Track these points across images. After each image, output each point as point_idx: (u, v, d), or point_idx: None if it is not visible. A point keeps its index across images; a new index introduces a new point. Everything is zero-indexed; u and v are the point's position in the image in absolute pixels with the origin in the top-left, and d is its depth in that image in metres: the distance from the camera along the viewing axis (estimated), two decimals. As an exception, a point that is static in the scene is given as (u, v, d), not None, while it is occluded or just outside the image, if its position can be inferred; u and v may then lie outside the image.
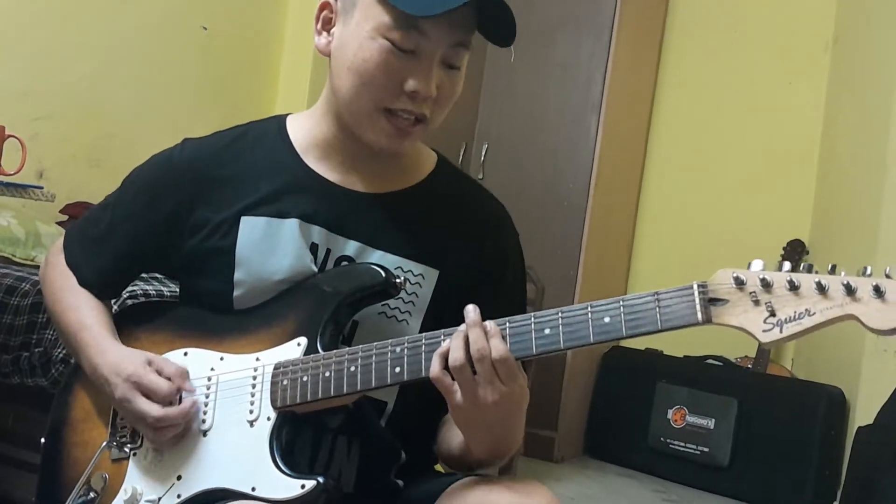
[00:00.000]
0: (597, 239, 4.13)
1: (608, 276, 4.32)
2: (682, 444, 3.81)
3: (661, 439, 3.85)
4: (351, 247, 1.33)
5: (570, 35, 4.19)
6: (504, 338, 1.13)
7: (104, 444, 1.36)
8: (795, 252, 3.88)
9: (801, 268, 1.03)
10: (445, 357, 1.14)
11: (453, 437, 1.31)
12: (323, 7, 1.32)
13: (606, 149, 4.11)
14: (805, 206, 4.05)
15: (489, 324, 1.13)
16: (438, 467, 1.46)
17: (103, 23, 3.36)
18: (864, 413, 3.24)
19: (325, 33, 1.32)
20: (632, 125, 4.39)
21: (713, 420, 3.75)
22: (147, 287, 2.36)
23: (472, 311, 1.14)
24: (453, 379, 1.14)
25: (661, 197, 4.45)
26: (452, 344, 1.13)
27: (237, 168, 1.36)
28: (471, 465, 1.30)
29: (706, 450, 3.75)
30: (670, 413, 3.84)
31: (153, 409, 1.27)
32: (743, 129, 4.25)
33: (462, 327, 1.14)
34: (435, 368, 1.14)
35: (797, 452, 3.57)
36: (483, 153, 4.36)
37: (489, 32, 1.28)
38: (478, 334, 1.12)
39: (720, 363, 3.97)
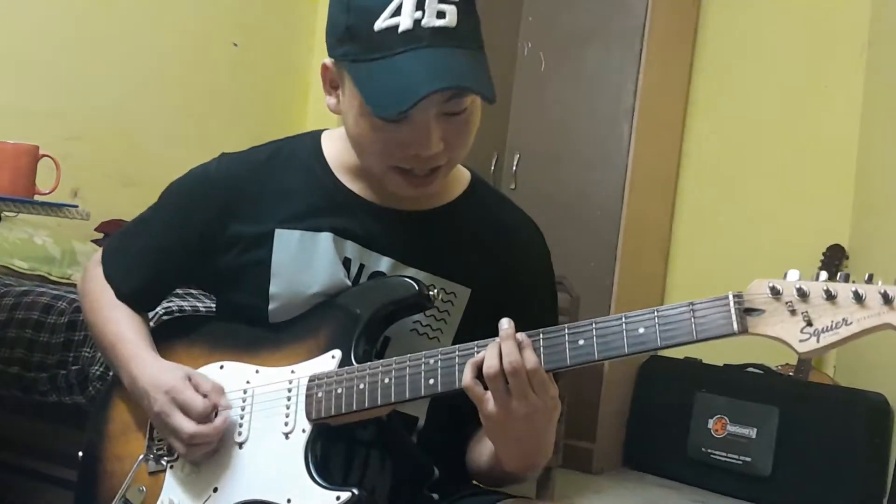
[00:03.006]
0: (632, 247, 4.10)
1: (644, 284, 4.28)
2: (724, 454, 3.76)
3: (702, 449, 3.80)
4: (384, 263, 1.33)
5: (600, 43, 4.17)
6: (537, 350, 1.14)
7: (141, 456, 1.37)
8: (835, 257, 3.83)
9: (839, 274, 1.02)
10: (479, 366, 1.14)
11: (483, 450, 1.31)
12: (324, 70, 1.30)
13: (640, 156, 4.08)
14: (844, 211, 3.99)
15: (522, 335, 1.13)
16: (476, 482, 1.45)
17: (135, 42, 3.40)
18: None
19: (333, 92, 1.31)
20: (665, 132, 4.35)
21: (755, 429, 3.71)
22: (182, 303, 2.37)
23: (505, 323, 1.14)
24: (486, 388, 1.14)
25: (696, 203, 4.41)
26: (487, 353, 1.13)
27: (273, 183, 1.37)
28: (500, 477, 1.30)
29: (748, 459, 3.70)
30: (711, 423, 3.80)
31: (187, 426, 1.28)
32: (779, 134, 4.21)
33: (498, 338, 1.14)
34: (467, 377, 1.14)
35: (841, 461, 3.51)
36: (515, 163, 4.34)
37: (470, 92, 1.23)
38: (511, 346, 1.12)
39: (761, 371, 3.92)
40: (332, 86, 1.31)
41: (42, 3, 3.14)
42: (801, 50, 4.15)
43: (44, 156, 2.47)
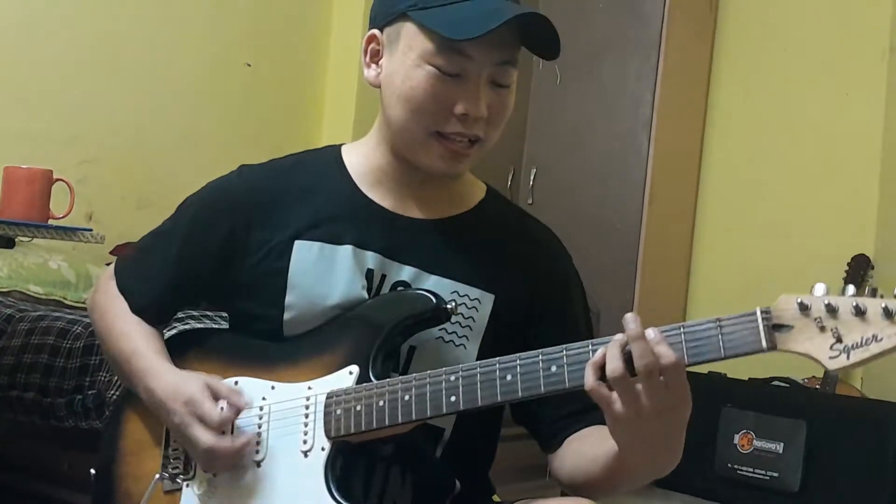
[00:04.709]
0: (652, 261, 4.07)
1: (666, 298, 4.24)
2: (751, 469, 3.70)
3: (729, 465, 3.75)
4: (406, 272, 1.33)
5: (616, 56, 4.15)
6: (677, 344, 1.08)
7: (157, 476, 1.35)
8: (860, 267, 3.77)
9: (867, 289, 1.01)
10: (600, 367, 1.09)
11: (595, 455, 1.24)
12: (370, 40, 1.35)
13: (659, 169, 4.05)
14: (868, 220, 3.94)
15: (653, 332, 1.08)
16: (496, 497, 1.44)
17: (148, 65, 3.40)
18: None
19: (373, 65, 1.35)
20: (684, 143, 4.32)
21: (782, 444, 3.65)
22: (198, 325, 2.35)
23: (631, 320, 1.09)
24: (611, 389, 1.09)
25: (718, 214, 4.37)
26: (609, 354, 1.09)
27: (293, 194, 1.38)
28: (620, 483, 1.24)
29: (776, 475, 3.64)
30: (737, 438, 3.75)
31: (206, 439, 1.26)
32: (800, 143, 4.16)
33: (618, 337, 1.09)
34: (590, 380, 1.10)
35: (871, 474, 3.45)
36: (532, 178, 4.32)
37: (534, 46, 1.29)
38: (643, 347, 1.07)
39: (787, 385, 3.87)
40: (372, 59, 1.35)
41: (55, 28, 3.15)
42: (822, 57, 4.11)
43: (58, 180, 2.47)
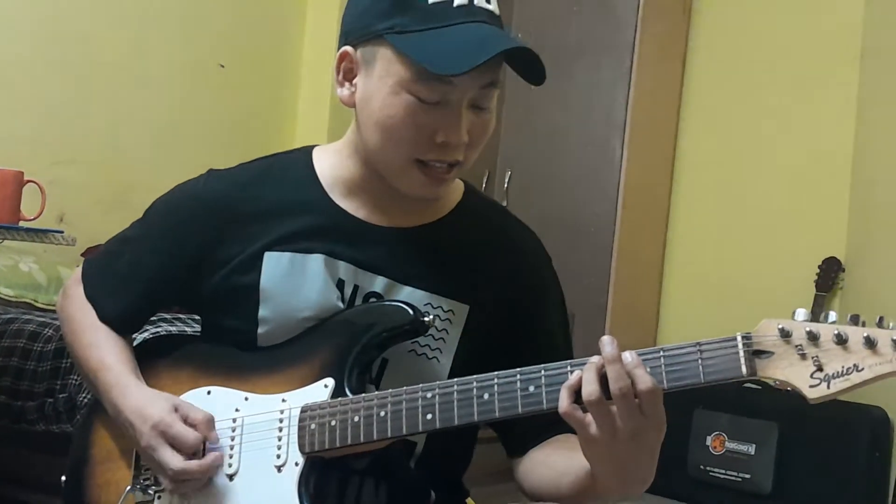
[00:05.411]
0: (626, 263, 4.08)
1: (639, 301, 4.25)
2: (723, 471, 3.72)
3: (701, 467, 3.77)
4: (379, 283, 1.30)
5: (590, 59, 4.16)
6: (656, 368, 1.06)
7: (128, 487, 1.32)
8: (831, 270, 3.80)
9: (849, 316, 0.99)
10: (575, 391, 1.07)
11: (566, 470, 1.22)
12: (342, 58, 1.27)
13: (632, 172, 4.06)
14: (839, 223, 3.97)
15: (630, 355, 1.06)
16: (470, 502, 1.42)
17: (120, 65, 3.38)
18: (910, 433, 3.17)
19: (347, 84, 1.28)
20: (657, 147, 4.33)
21: (754, 446, 3.67)
22: (171, 328, 2.34)
23: (608, 343, 1.07)
24: (585, 412, 1.07)
25: (691, 217, 4.39)
26: (585, 377, 1.06)
27: (263, 204, 1.34)
28: (588, 502, 1.22)
29: (748, 476, 3.66)
30: (709, 440, 3.76)
31: (176, 462, 1.23)
32: (772, 145, 4.19)
33: (594, 359, 1.07)
34: (564, 403, 1.07)
35: (842, 475, 3.48)
36: (506, 181, 4.32)
37: (518, 70, 1.25)
38: (618, 370, 1.05)
39: (759, 387, 3.89)
40: (346, 77, 1.28)
41: (26, 28, 3.12)
42: (794, 62, 4.14)
43: (28, 181, 2.45)
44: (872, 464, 3.44)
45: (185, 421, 1.25)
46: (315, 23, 3.99)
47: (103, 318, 1.39)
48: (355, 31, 1.26)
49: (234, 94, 3.77)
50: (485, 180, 4.34)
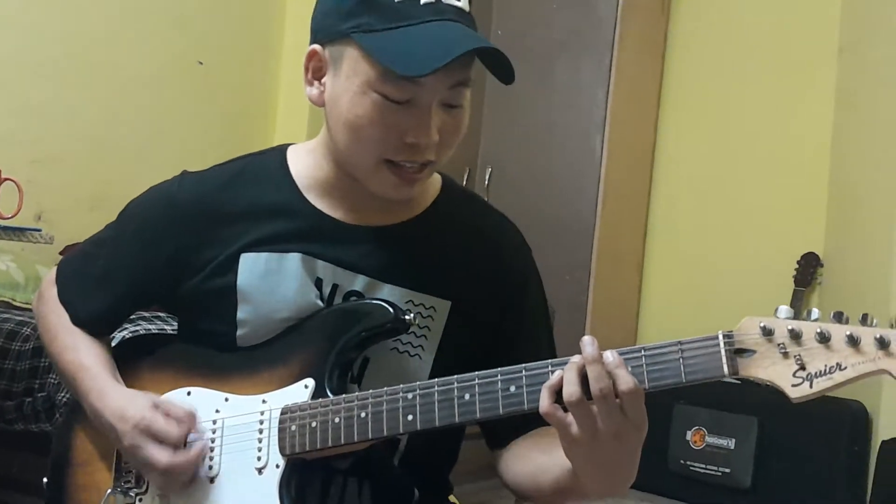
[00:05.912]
0: (606, 259, 4.10)
1: (619, 296, 4.27)
2: (703, 465, 3.74)
3: (681, 462, 3.78)
4: (360, 282, 1.29)
5: (570, 56, 4.18)
6: (638, 367, 1.05)
7: (109, 491, 1.31)
8: (810, 265, 3.83)
9: (832, 313, 0.97)
10: (556, 391, 1.06)
11: (547, 466, 1.21)
12: (310, 57, 1.26)
13: (612, 169, 4.08)
14: (818, 219, 4.00)
15: (611, 355, 1.05)
16: (453, 499, 1.42)
17: (99, 63, 3.36)
18: (886, 427, 3.19)
19: (316, 83, 1.26)
20: (637, 144, 4.35)
21: (733, 440, 3.69)
22: (150, 326, 2.33)
23: (588, 343, 1.05)
24: (566, 411, 1.06)
25: (670, 214, 4.41)
26: (566, 377, 1.05)
27: (239, 206, 1.32)
28: (569, 500, 1.22)
29: (727, 471, 3.68)
30: (689, 434, 3.78)
31: (163, 457, 1.22)
32: (751, 142, 4.22)
33: (575, 359, 1.05)
34: (545, 403, 1.06)
35: (821, 469, 3.50)
36: (487, 177, 4.33)
37: (488, 66, 1.22)
38: (599, 371, 1.03)
39: (738, 381, 3.90)
40: (315, 76, 1.26)
41: (5, 27, 3.10)
42: (772, 58, 4.17)
43: (6, 179, 2.43)
44: (851, 458, 3.46)
45: (167, 417, 1.24)
46: (294, 20, 3.97)
47: (77, 321, 1.38)
48: (323, 30, 1.24)
49: (213, 92, 3.76)
50: (465, 177, 4.35)
